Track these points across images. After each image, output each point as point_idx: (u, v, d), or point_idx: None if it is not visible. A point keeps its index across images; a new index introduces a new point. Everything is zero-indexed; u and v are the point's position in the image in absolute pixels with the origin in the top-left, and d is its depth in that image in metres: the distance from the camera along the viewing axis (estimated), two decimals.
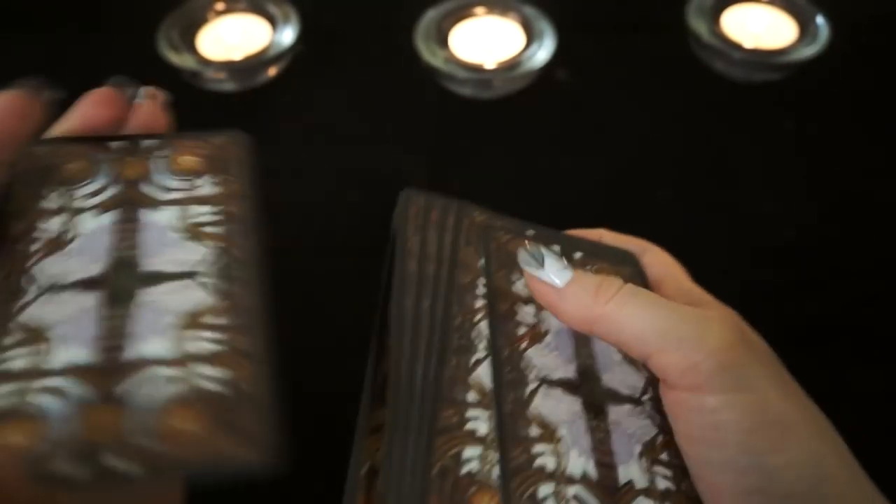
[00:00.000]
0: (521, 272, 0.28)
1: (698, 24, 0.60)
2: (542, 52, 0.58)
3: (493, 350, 0.26)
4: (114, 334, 0.23)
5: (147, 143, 0.29)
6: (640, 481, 0.25)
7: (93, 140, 0.29)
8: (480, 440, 0.24)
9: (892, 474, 0.41)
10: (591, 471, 0.24)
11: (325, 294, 0.49)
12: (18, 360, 0.22)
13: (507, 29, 0.61)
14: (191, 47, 0.60)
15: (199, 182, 0.28)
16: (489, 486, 0.23)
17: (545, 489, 0.23)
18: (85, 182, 0.28)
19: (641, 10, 0.65)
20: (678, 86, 0.61)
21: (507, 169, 0.56)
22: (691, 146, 0.57)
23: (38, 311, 0.23)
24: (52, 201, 0.27)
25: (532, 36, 0.60)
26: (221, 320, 0.23)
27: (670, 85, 0.61)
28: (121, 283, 0.24)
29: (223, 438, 0.20)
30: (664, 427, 0.26)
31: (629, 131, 0.58)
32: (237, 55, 0.59)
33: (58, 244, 0.25)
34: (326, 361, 0.46)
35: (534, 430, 0.25)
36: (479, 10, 0.62)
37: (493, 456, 0.23)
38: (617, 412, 0.26)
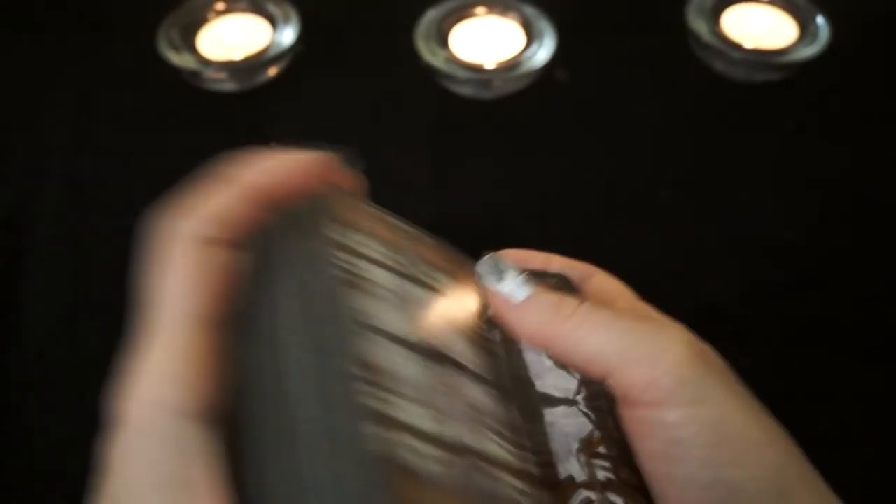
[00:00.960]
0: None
1: (698, 24, 0.60)
2: (542, 52, 0.58)
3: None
4: (540, 450, 0.22)
5: (388, 216, 0.27)
6: (580, 475, 0.25)
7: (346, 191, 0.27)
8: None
9: (892, 474, 0.41)
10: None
11: None
12: (370, 399, 0.19)
13: (507, 29, 0.61)
14: (191, 47, 0.60)
15: (449, 281, 0.27)
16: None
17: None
18: (359, 231, 0.25)
19: (641, 10, 0.65)
20: (678, 86, 0.61)
21: (506, 169, 0.56)
22: (691, 146, 0.57)
23: (367, 349, 0.20)
24: (337, 234, 0.23)
25: (532, 36, 0.60)
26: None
27: (670, 85, 0.61)
28: (525, 396, 0.24)
29: None
30: (599, 424, 0.27)
31: (629, 131, 0.58)
32: (237, 55, 0.59)
33: (355, 283, 0.22)
34: None
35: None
36: (479, 10, 0.62)
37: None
38: (552, 414, 0.27)
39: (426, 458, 0.19)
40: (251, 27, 0.62)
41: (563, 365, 0.28)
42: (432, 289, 0.26)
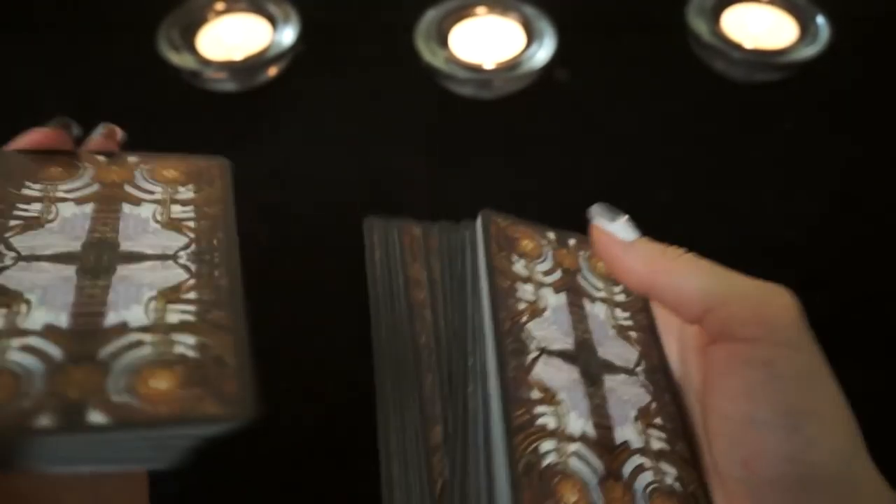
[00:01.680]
0: (522, 255, 0.30)
1: (698, 24, 0.60)
2: (542, 52, 0.58)
3: (495, 322, 0.27)
4: (92, 302, 0.24)
5: (131, 157, 0.32)
6: (636, 442, 0.26)
7: (68, 153, 0.31)
8: (553, 433, 0.25)
9: (892, 474, 0.41)
10: (590, 431, 0.26)
11: (324, 294, 0.49)
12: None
13: (507, 29, 0.61)
14: (191, 47, 0.60)
15: (179, 189, 0.30)
16: (570, 474, 0.24)
17: (547, 445, 0.25)
18: (68, 179, 0.29)
19: (641, 10, 0.65)
20: (678, 86, 0.61)
21: (506, 169, 0.56)
22: (691, 146, 0.57)
23: (15, 276, 0.24)
24: (32, 190, 0.28)
25: (532, 36, 0.60)
26: (199, 296, 0.25)
27: (670, 85, 0.61)
28: (99, 258, 0.26)
29: (199, 397, 0.21)
30: (657, 396, 0.28)
31: (629, 131, 0.58)
32: (237, 55, 0.59)
33: (37, 222, 0.27)
34: (325, 361, 0.46)
35: (535, 394, 0.26)
36: (480, 10, 0.62)
37: (568, 447, 0.25)
38: (612, 381, 0.28)
39: (40, 353, 0.22)
40: (251, 27, 0.62)
41: (625, 337, 0.30)
42: (158, 200, 0.29)
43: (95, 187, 0.29)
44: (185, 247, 0.27)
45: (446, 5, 0.61)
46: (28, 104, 0.61)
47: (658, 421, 0.27)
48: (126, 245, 0.27)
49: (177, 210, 0.29)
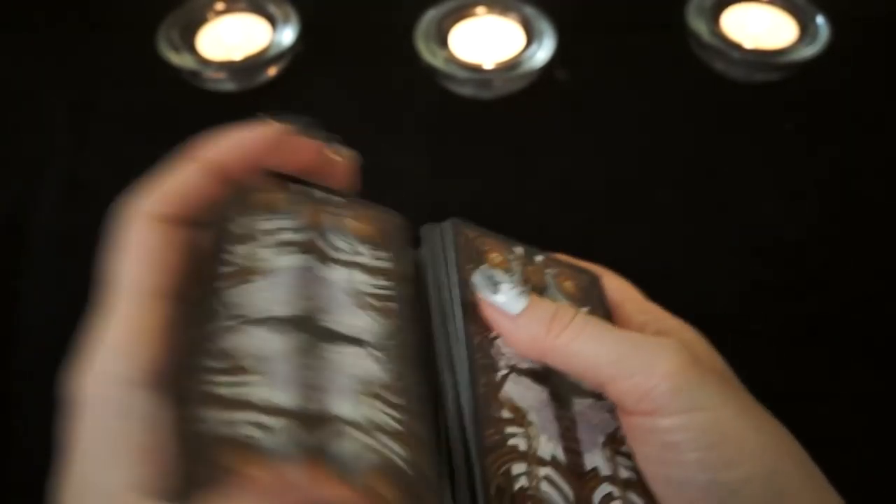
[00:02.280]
0: (490, 266, 0.29)
1: (698, 24, 0.60)
2: (542, 52, 0.58)
3: (466, 336, 0.27)
4: (308, 380, 0.22)
5: (322, 192, 0.29)
6: (605, 469, 0.26)
7: (274, 174, 0.28)
8: (524, 455, 0.24)
9: (892, 474, 0.41)
10: (560, 455, 0.25)
11: None
12: (222, 387, 0.21)
13: (507, 29, 0.61)
14: (191, 47, 0.60)
15: (371, 252, 0.28)
16: (541, 500, 0.24)
17: (519, 467, 0.24)
18: (271, 212, 0.26)
19: (641, 10, 0.65)
20: (678, 86, 0.61)
21: (506, 169, 0.56)
22: (691, 146, 0.57)
23: (234, 339, 0.22)
24: (239, 227, 0.25)
25: (532, 36, 0.60)
26: (398, 400, 0.23)
27: (670, 85, 0.61)
28: (305, 330, 0.24)
29: None
30: None
31: (629, 131, 0.58)
32: (237, 55, 0.59)
33: (244, 275, 0.24)
34: None
35: (506, 413, 0.25)
36: (479, 10, 0.62)
37: (539, 471, 0.24)
38: (581, 404, 0.27)
39: (253, 426, 0.20)
40: (251, 27, 0.62)
41: None
42: (348, 262, 0.27)
43: (304, 234, 0.26)
44: (377, 333, 0.25)
45: (446, 5, 0.61)
46: (28, 104, 0.61)
47: (625, 449, 0.27)
48: (324, 318, 0.24)
49: (365, 280, 0.26)
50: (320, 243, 0.27)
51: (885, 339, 0.48)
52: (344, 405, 0.22)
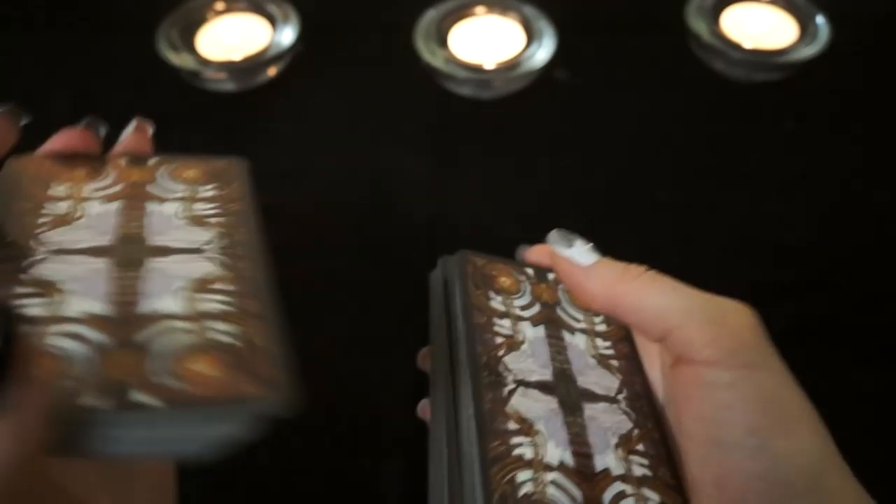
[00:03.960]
0: (500, 291, 0.30)
1: (698, 24, 0.60)
2: (542, 52, 0.58)
3: (471, 356, 0.28)
4: (126, 292, 0.24)
5: (152, 159, 0.32)
6: (617, 468, 0.26)
7: (90, 156, 0.32)
8: (529, 463, 0.25)
9: (892, 474, 0.41)
10: (568, 459, 0.26)
11: (324, 293, 0.49)
12: (34, 308, 0.23)
13: (507, 29, 0.61)
14: (191, 47, 0.60)
15: (201, 188, 0.31)
16: (545, 502, 0.24)
17: (524, 475, 0.25)
18: (93, 180, 0.30)
19: (641, 10, 0.65)
20: (678, 86, 0.61)
21: (507, 168, 0.56)
22: (691, 146, 0.57)
23: (50, 268, 0.25)
24: (59, 191, 0.29)
25: (532, 36, 0.60)
26: (229, 287, 0.25)
27: (670, 85, 0.61)
28: (129, 252, 0.26)
29: (240, 380, 0.22)
30: (639, 422, 0.28)
31: (629, 131, 0.58)
32: (237, 55, 0.59)
33: (65, 220, 0.28)
34: (325, 359, 0.46)
35: (512, 425, 0.26)
36: (479, 9, 0.62)
37: (546, 476, 0.25)
38: (592, 409, 0.28)
39: (81, 339, 0.22)
40: (251, 27, 0.62)
41: (606, 365, 0.30)
42: (176, 198, 0.30)
43: (120, 187, 0.30)
44: (211, 241, 0.27)
45: (446, 5, 0.61)
46: (28, 104, 0.60)
47: (640, 447, 0.27)
48: (154, 240, 0.27)
49: (200, 207, 0.29)
50: (150, 190, 0.30)
51: (885, 339, 0.48)
52: (169, 303, 0.24)
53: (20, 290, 0.24)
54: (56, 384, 0.21)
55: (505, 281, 0.32)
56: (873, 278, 0.51)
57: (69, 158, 0.31)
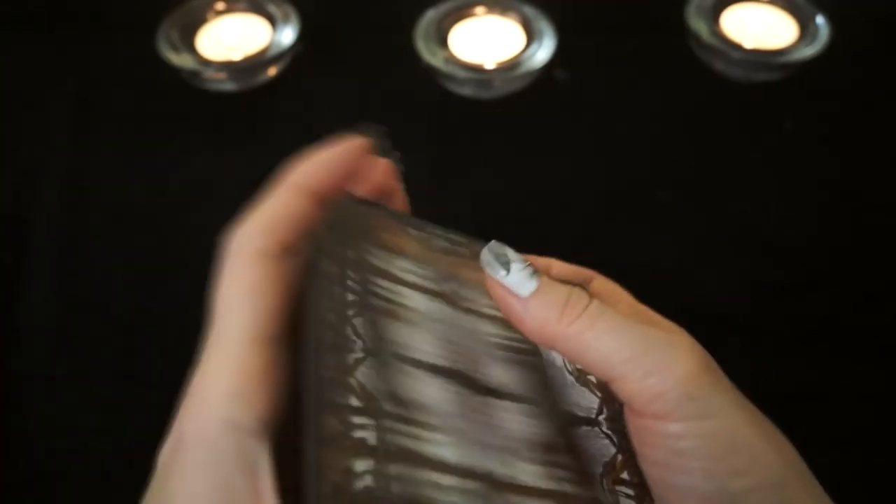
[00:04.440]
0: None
1: (698, 24, 0.60)
2: (542, 52, 0.58)
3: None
4: (485, 443, 0.20)
5: (464, 246, 0.27)
6: (606, 502, 0.25)
7: (405, 216, 0.27)
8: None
9: (892, 474, 0.41)
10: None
11: None
12: (396, 435, 0.18)
13: (507, 29, 0.61)
14: (191, 47, 0.60)
15: (486, 296, 0.26)
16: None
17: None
18: (403, 255, 0.25)
19: (641, 10, 0.65)
20: (678, 86, 0.61)
21: (506, 169, 0.56)
22: (691, 146, 0.57)
23: (398, 381, 0.20)
24: (379, 260, 0.24)
25: (532, 36, 0.60)
26: (628, 476, 0.23)
27: (670, 85, 0.61)
28: (469, 378, 0.21)
29: None
30: (621, 447, 0.26)
31: (629, 131, 0.58)
32: (237, 55, 0.59)
33: (393, 311, 0.22)
34: None
35: (354, 401, 0.22)
36: (479, 10, 0.62)
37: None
38: (575, 435, 0.26)
39: (449, 492, 0.18)
40: (251, 27, 0.62)
41: (584, 382, 0.28)
42: (466, 308, 0.25)
43: (442, 284, 0.24)
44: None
45: (446, 5, 0.61)
46: (28, 104, 0.61)
47: (625, 476, 0.26)
48: (476, 366, 0.22)
49: (504, 334, 0.24)
50: (455, 291, 0.25)
51: (885, 339, 0.48)
52: (522, 468, 0.21)
53: (352, 401, 0.18)
54: None
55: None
56: (873, 278, 0.51)
57: (376, 209, 0.25)
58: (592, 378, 0.28)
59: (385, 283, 0.22)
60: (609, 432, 0.27)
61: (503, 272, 0.25)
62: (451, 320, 0.23)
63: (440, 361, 0.21)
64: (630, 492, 0.25)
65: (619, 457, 0.26)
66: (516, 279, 0.25)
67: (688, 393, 0.23)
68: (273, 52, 0.59)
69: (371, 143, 0.27)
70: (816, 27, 0.59)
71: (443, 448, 0.20)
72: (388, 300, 0.22)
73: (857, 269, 0.51)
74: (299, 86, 0.61)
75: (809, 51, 0.58)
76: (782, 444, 0.25)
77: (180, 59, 0.58)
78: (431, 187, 0.55)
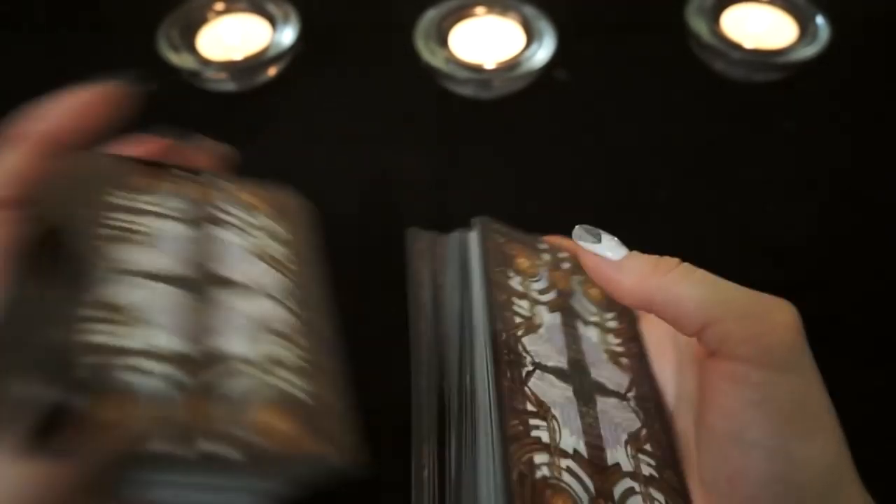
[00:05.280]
0: (519, 272, 0.29)
1: (698, 24, 0.60)
2: (542, 52, 0.58)
3: (492, 333, 0.27)
4: (196, 326, 0.22)
5: (204, 174, 0.29)
6: (627, 465, 0.26)
7: (153, 163, 0.29)
8: (546, 447, 0.25)
9: (891, 474, 0.41)
10: (582, 449, 0.26)
11: None
12: (98, 335, 0.21)
13: (507, 29, 0.61)
14: (191, 47, 0.60)
15: (270, 222, 0.29)
16: (562, 489, 0.24)
17: (541, 458, 0.24)
18: (152, 191, 0.27)
19: (641, 10, 0.65)
20: (678, 86, 0.61)
21: (506, 169, 0.56)
22: (691, 146, 0.57)
23: (115, 291, 0.22)
24: (120, 200, 0.26)
25: (532, 36, 0.60)
26: (300, 339, 0.24)
27: (670, 85, 0.61)
28: (195, 282, 0.24)
29: (311, 439, 0.21)
30: (647, 423, 0.28)
31: (629, 131, 0.58)
32: (237, 55, 0.59)
33: (127, 235, 0.25)
34: None
35: (530, 406, 0.26)
36: (479, 10, 0.62)
37: (561, 462, 0.24)
38: (604, 403, 0.28)
39: (150, 374, 0.20)
40: (251, 27, 0.62)
41: (616, 362, 0.29)
42: (243, 228, 0.27)
43: (180, 202, 0.27)
44: (282, 287, 0.26)
45: (446, 5, 0.61)
46: (28, 104, 0.61)
47: (648, 448, 0.27)
48: (219, 269, 0.25)
49: (269, 244, 0.27)
50: (213, 211, 0.27)
51: (884, 339, 0.48)
52: (239, 344, 0.22)
53: (84, 312, 0.21)
54: (123, 427, 0.19)
55: (523, 262, 0.31)
56: (873, 278, 0.51)
57: (128, 161, 0.28)
58: (624, 360, 0.30)
59: (123, 216, 0.25)
60: (637, 408, 0.28)
61: (595, 241, 0.27)
62: (189, 237, 0.26)
63: (163, 270, 0.24)
64: (651, 461, 0.26)
65: (644, 431, 0.27)
66: (608, 246, 0.27)
67: (782, 341, 0.24)
68: (273, 52, 0.59)
69: (117, 91, 0.29)
70: (816, 27, 0.60)
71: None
72: (125, 229, 0.24)
73: (857, 269, 0.51)
74: (299, 86, 0.61)
75: (809, 51, 0.58)
76: (838, 428, 0.25)
77: (180, 59, 0.58)
78: (431, 187, 0.55)
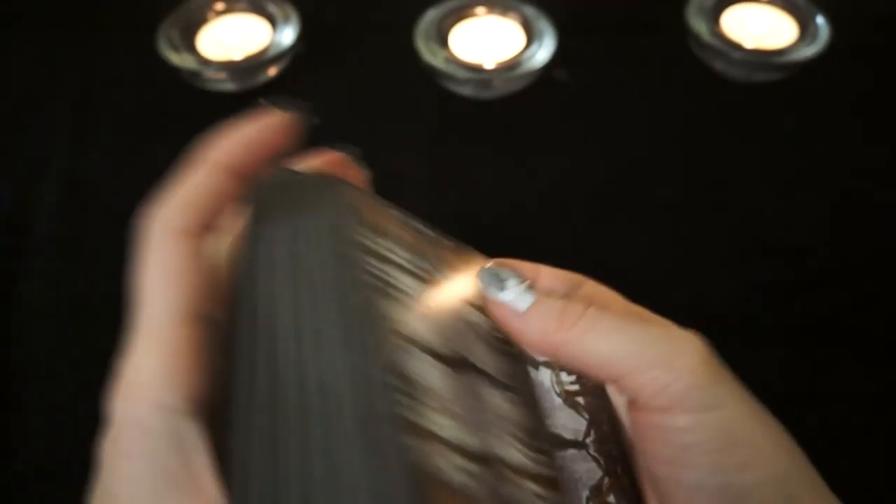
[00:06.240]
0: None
1: (698, 24, 0.60)
2: (542, 52, 0.58)
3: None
4: (478, 421, 0.21)
5: (426, 229, 0.26)
6: None
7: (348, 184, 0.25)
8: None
9: (892, 474, 0.41)
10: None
11: None
12: (409, 412, 0.18)
13: (507, 29, 0.61)
14: (191, 47, 0.60)
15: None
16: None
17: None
18: (385, 235, 0.23)
19: (641, 10, 0.65)
20: (678, 86, 0.61)
21: (506, 169, 0.56)
22: (691, 146, 0.57)
23: (403, 360, 0.19)
24: (369, 240, 0.22)
25: (532, 36, 0.60)
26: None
27: (670, 85, 0.61)
28: (459, 363, 0.21)
29: None
30: (608, 470, 0.26)
31: (629, 131, 0.58)
32: (237, 55, 0.59)
33: (390, 293, 0.21)
34: None
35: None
36: (479, 10, 0.62)
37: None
38: (562, 458, 0.26)
39: (458, 470, 0.18)
40: (251, 27, 0.62)
41: (572, 404, 0.28)
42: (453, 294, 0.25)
43: (409, 254, 0.24)
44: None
45: (446, 5, 0.61)
46: (28, 104, 0.61)
47: (611, 500, 0.26)
48: (461, 348, 0.22)
49: (475, 314, 0.24)
50: (435, 273, 0.25)
51: (884, 339, 0.48)
52: (504, 448, 0.21)
53: (387, 378, 0.18)
54: None
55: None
56: (873, 278, 0.51)
57: (354, 188, 0.24)
58: (580, 400, 0.28)
59: (377, 264, 0.21)
60: (596, 455, 0.26)
61: (500, 291, 0.25)
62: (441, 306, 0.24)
63: (436, 345, 0.21)
64: None
65: (606, 480, 0.26)
66: (513, 295, 0.25)
67: (692, 384, 0.23)
68: (273, 52, 0.59)
69: (289, 119, 0.28)
70: (816, 27, 0.59)
71: (447, 428, 0.20)
72: (386, 282, 0.21)
73: (858, 269, 0.51)
74: (299, 86, 0.61)
75: (809, 51, 0.58)
76: (785, 439, 0.25)
77: (180, 59, 0.58)
78: (430, 187, 0.55)
